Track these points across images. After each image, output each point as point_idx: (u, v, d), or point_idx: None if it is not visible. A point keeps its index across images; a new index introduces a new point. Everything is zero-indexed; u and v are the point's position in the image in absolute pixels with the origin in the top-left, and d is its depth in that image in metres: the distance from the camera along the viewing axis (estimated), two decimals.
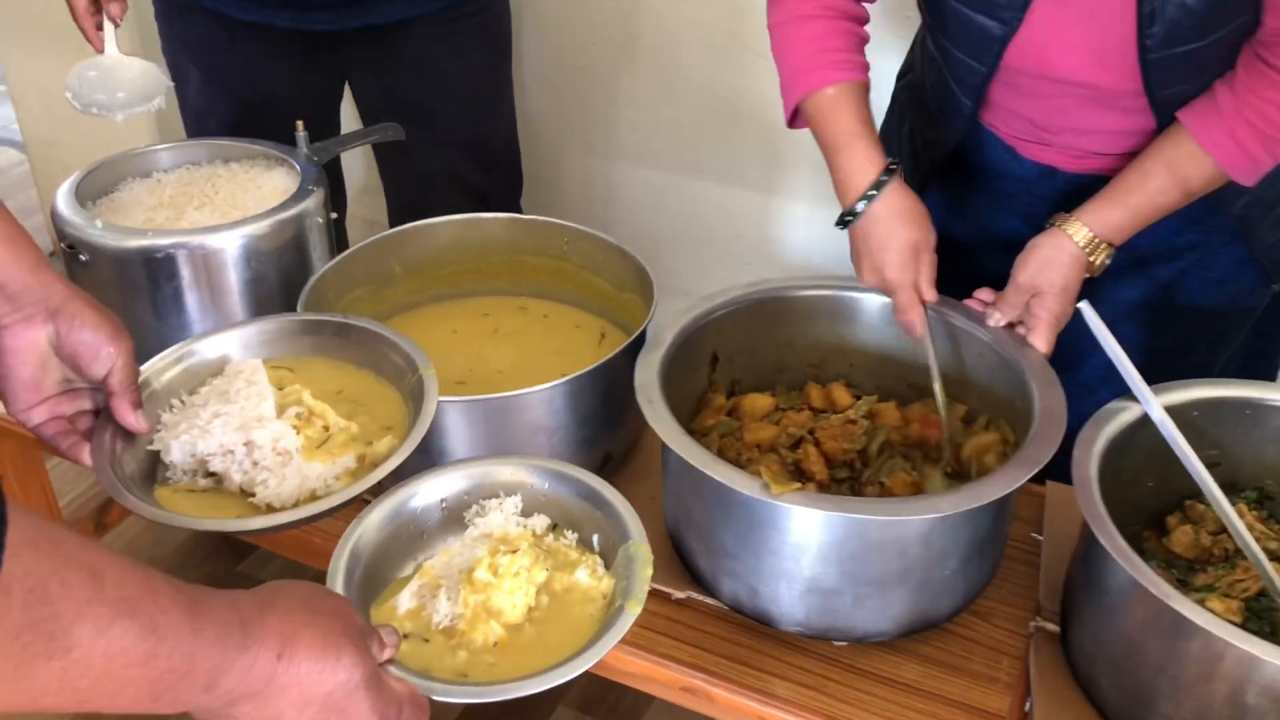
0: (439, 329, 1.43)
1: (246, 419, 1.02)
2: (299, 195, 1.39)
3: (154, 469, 1.02)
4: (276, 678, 0.69)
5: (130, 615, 0.60)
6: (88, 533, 1.70)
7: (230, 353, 1.12)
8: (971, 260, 1.38)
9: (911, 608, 1.07)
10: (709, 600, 1.13)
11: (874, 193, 1.17)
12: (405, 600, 0.90)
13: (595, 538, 0.94)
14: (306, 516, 0.95)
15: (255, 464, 1.00)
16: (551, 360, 1.37)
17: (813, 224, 1.96)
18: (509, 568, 0.88)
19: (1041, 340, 1.14)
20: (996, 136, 1.30)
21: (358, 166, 2.22)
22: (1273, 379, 1.38)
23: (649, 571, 0.86)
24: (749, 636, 1.11)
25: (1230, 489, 1.14)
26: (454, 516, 0.96)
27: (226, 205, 1.44)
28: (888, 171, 1.18)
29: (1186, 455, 1.05)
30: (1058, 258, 1.13)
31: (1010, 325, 1.18)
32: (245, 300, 1.37)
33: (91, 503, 1.74)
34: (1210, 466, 1.07)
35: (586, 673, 1.06)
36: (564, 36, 1.99)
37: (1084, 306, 1.11)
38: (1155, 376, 1.08)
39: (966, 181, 1.37)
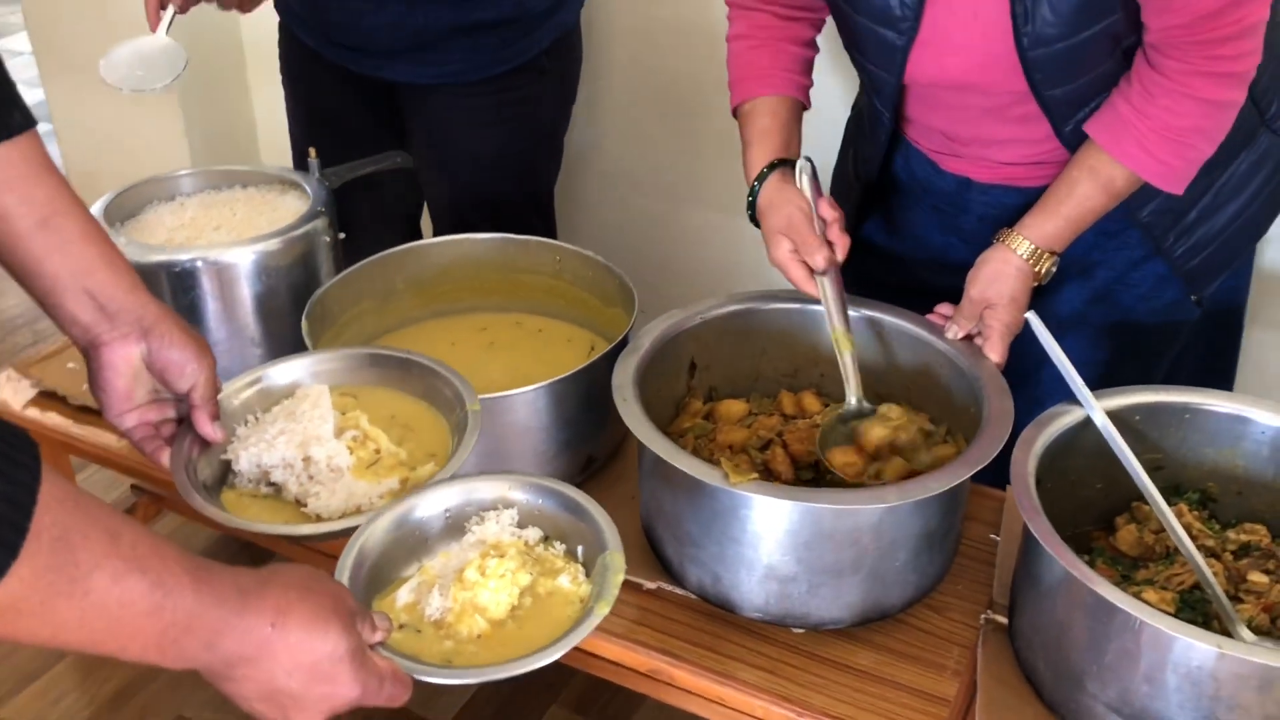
0: (439, 342, 1.52)
1: (307, 437, 1.12)
2: (308, 216, 1.49)
3: (225, 475, 1.14)
4: (270, 644, 0.78)
5: (141, 571, 0.70)
6: None
7: (301, 378, 1.22)
8: (912, 275, 1.47)
9: (864, 597, 1.13)
10: (678, 590, 1.21)
11: (757, 185, 1.30)
12: (404, 595, 0.99)
13: (580, 549, 1.03)
14: (346, 528, 1.04)
15: (310, 478, 1.10)
16: (544, 371, 1.44)
17: None
18: (495, 570, 0.98)
19: (994, 350, 1.22)
20: (919, 151, 1.39)
21: None
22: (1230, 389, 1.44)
23: (619, 578, 0.95)
24: (712, 623, 1.18)
25: (1174, 491, 1.21)
26: (456, 524, 1.05)
27: (243, 226, 1.54)
28: (771, 165, 1.30)
29: (1126, 457, 1.12)
30: (1004, 270, 1.21)
31: (969, 337, 1.26)
32: (257, 312, 1.47)
33: (121, 505, 1.83)
34: (1153, 470, 1.14)
35: (581, 675, 1.16)
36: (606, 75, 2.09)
37: (1030, 316, 1.19)
38: (1096, 388, 1.15)
39: (901, 200, 1.46)
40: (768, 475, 1.24)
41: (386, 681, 0.85)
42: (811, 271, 1.26)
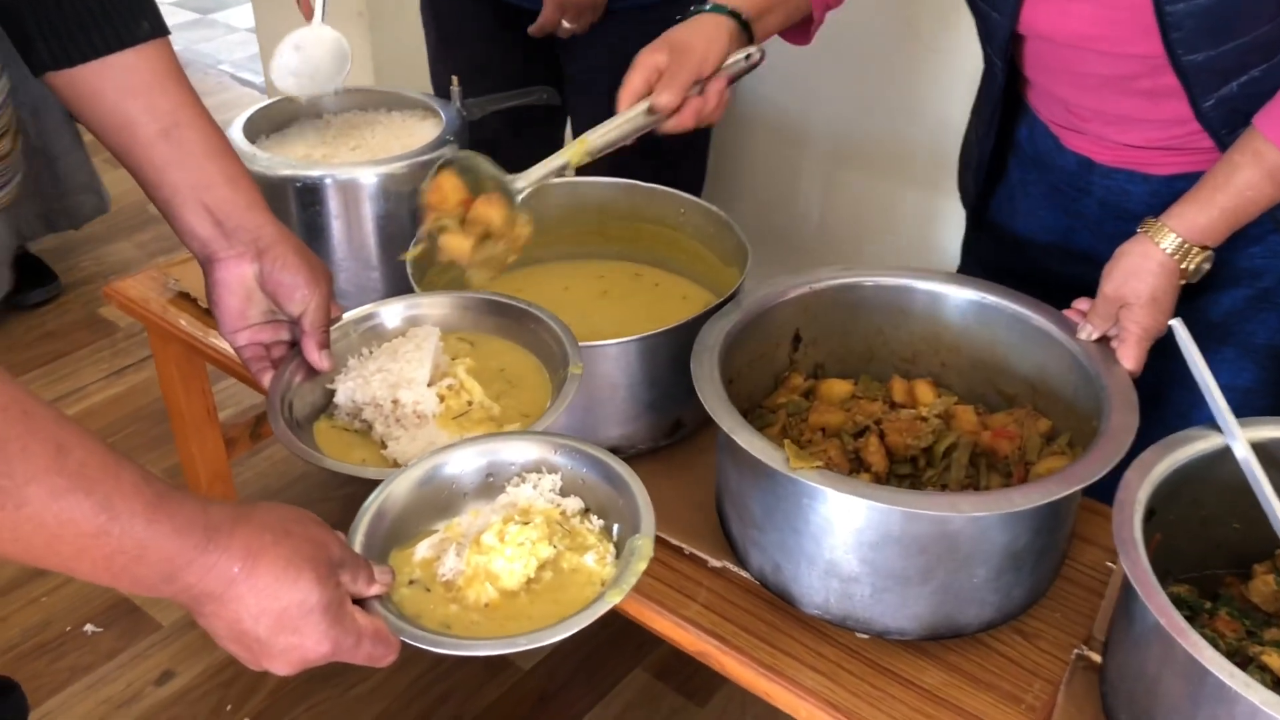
0: (552, 285, 1.48)
1: (400, 379, 1.10)
2: (437, 143, 1.48)
3: (328, 404, 1.13)
4: (235, 584, 0.74)
5: (86, 490, 0.66)
6: (243, 441, 1.86)
7: (418, 317, 1.20)
8: (1035, 261, 1.33)
9: (934, 610, 1.03)
10: (741, 572, 1.13)
11: (695, 10, 1.22)
12: (423, 549, 0.94)
13: (616, 527, 0.96)
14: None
15: (396, 420, 1.08)
16: (652, 326, 1.39)
17: None
18: (515, 537, 0.91)
19: (1128, 356, 1.08)
20: (1042, 122, 1.23)
21: None
22: None
23: (641, 566, 0.88)
24: (771, 613, 1.10)
25: None
26: (497, 484, 1.00)
27: (378, 148, 1.55)
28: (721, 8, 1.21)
29: (1267, 498, 0.96)
30: (1144, 265, 1.06)
31: (1104, 339, 1.12)
32: (378, 234, 1.47)
33: (251, 413, 1.90)
34: None
35: (667, 643, 1.09)
36: None
37: (1175, 323, 1.04)
38: (1242, 414, 0.99)
39: (1024, 175, 1.31)
40: (859, 466, 1.15)
41: (365, 640, 0.80)
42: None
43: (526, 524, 0.92)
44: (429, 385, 1.10)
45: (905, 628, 1.05)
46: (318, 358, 1.09)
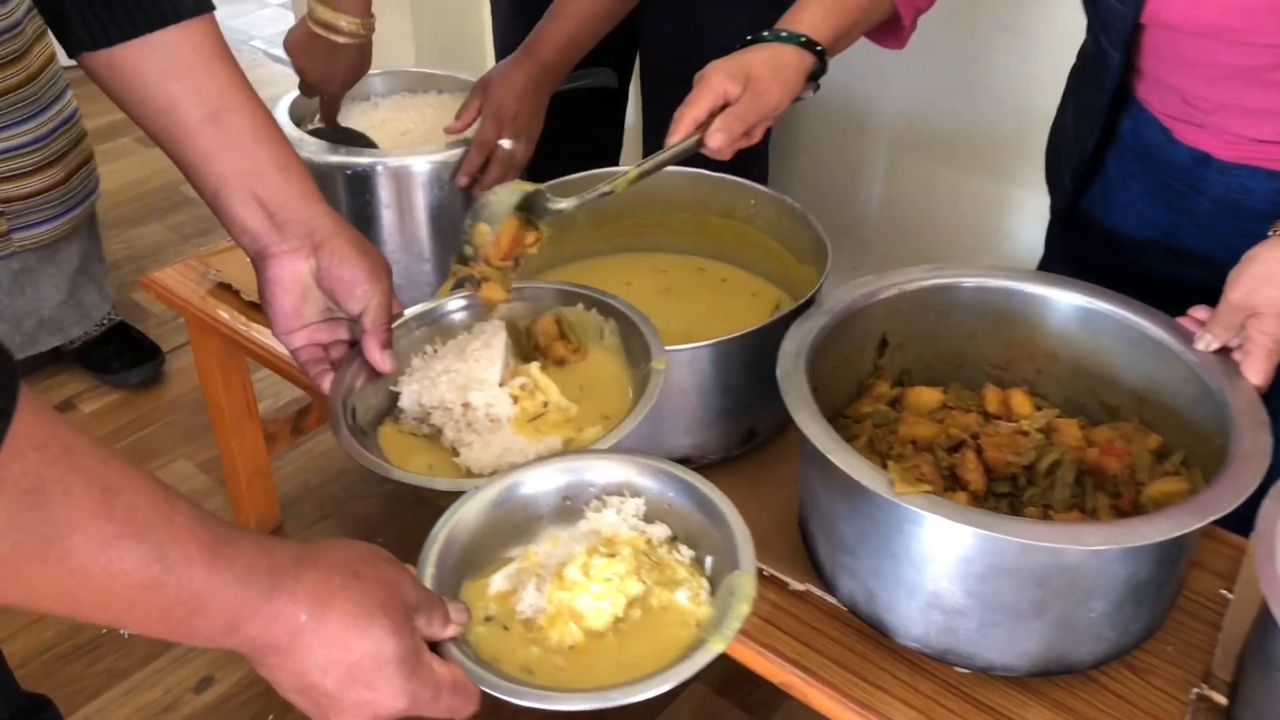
0: (613, 279, 1.39)
1: (470, 380, 1.02)
2: None
3: (393, 407, 1.05)
4: (302, 634, 0.67)
5: (137, 538, 0.59)
6: (283, 436, 1.79)
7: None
8: (1133, 259, 1.24)
9: (1046, 646, 0.95)
10: (827, 597, 1.05)
11: (771, 36, 1.14)
12: (499, 580, 0.86)
13: (709, 560, 0.87)
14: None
15: (468, 425, 1.01)
16: (719, 325, 1.31)
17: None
18: (601, 571, 0.83)
19: (1256, 370, 0.98)
20: (1151, 115, 1.14)
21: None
22: None
23: (745, 609, 0.79)
24: (861, 643, 1.02)
25: None
26: (575, 507, 0.92)
27: (430, 132, 1.47)
28: (799, 39, 1.13)
29: None
30: (1277, 272, 0.96)
31: (1225, 350, 1.03)
32: (431, 224, 1.39)
33: (292, 407, 1.83)
34: None
35: (725, 655, 1.01)
36: None
37: None
38: None
39: (1125, 169, 1.22)
40: (953, 483, 1.06)
41: (444, 692, 0.73)
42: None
43: (613, 556, 0.84)
44: (500, 386, 1.03)
45: (1012, 664, 0.96)
46: (380, 358, 1.02)
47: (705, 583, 0.85)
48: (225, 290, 1.55)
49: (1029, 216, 1.82)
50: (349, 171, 1.34)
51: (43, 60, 1.91)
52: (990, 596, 0.92)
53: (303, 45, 1.36)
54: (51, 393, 2.17)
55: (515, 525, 0.90)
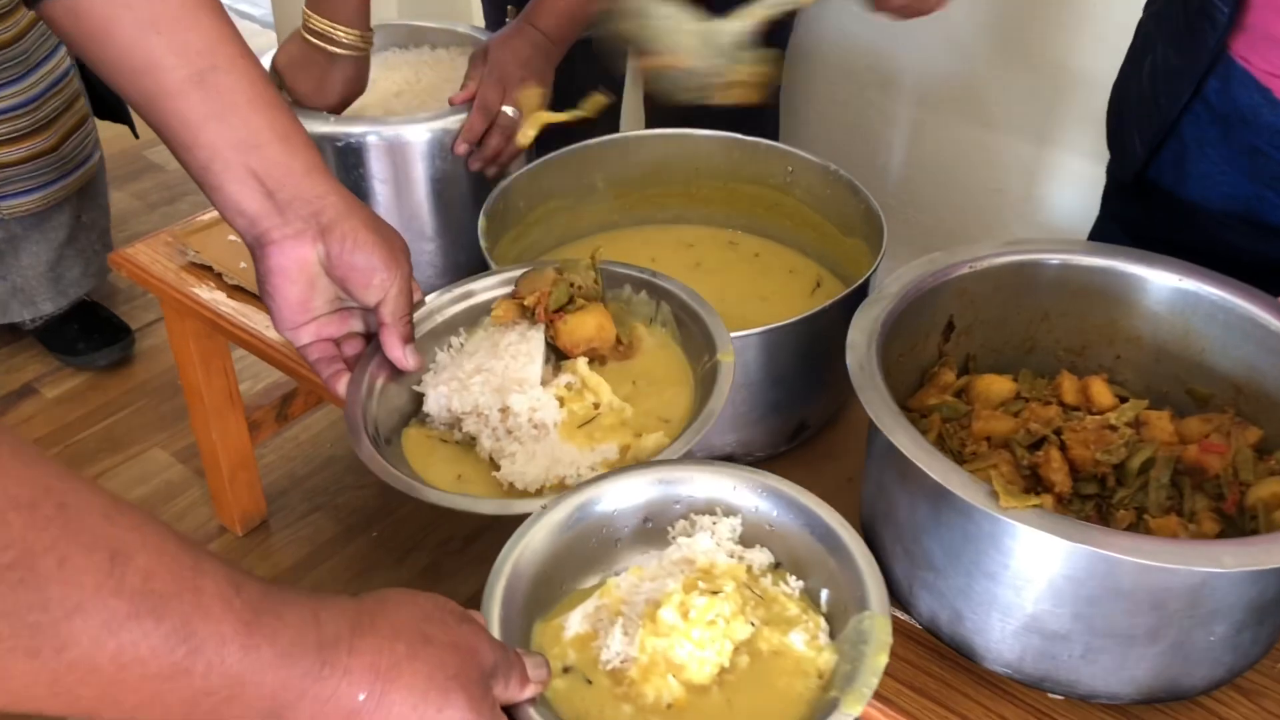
0: (636, 255, 1.27)
1: (507, 380, 0.90)
2: None
3: (417, 408, 0.93)
4: (359, 718, 0.55)
5: (155, 615, 0.47)
6: (267, 424, 1.66)
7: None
8: (1206, 232, 1.13)
9: (1158, 673, 0.85)
10: (901, 615, 0.95)
11: None
12: (576, 621, 0.74)
13: (824, 593, 0.76)
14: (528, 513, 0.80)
15: (509, 432, 0.88)
16: (754, 305, 1.20)
17: (1090, 185, 1.68)
18: (704, 612, 0.71)
19: None
20: (1249, 74, 1.03)
21: None
22: None
23: (883, 660, 0.67)
24: (943, 667, 0.92)
25: None
26: (658, 528, 0.80)
27: (426, 94, 1.33)
28: None
29: None
30: None
31: None
32: (433, 201, 1.26)
33: (276, 391, 1.69)
34: None
35: None
36: None
37: None
38: None
39: (1205, 133, 1.10)
40: (1035, 483, 0.96)
41: None
42: None
43: (715, 593, 0.71)
44: (543, 385, 0.91)
45: (1118, 692, 0.86)
46: (402, 355, 0.89)
47: (823, 621, 0.74)
48: (203, 268, 1.41)
49: (1067, 182, 1.70)
50: (339, 144, 1.21)
51: (32, 16, 1.74)
52: (1100, 620, 0.82)
53: (295, 60, 1.21)
54: (9, 375, 2.02)
55: (589, 552, 0.78)
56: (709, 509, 0.78)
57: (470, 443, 0.89)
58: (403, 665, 0.56)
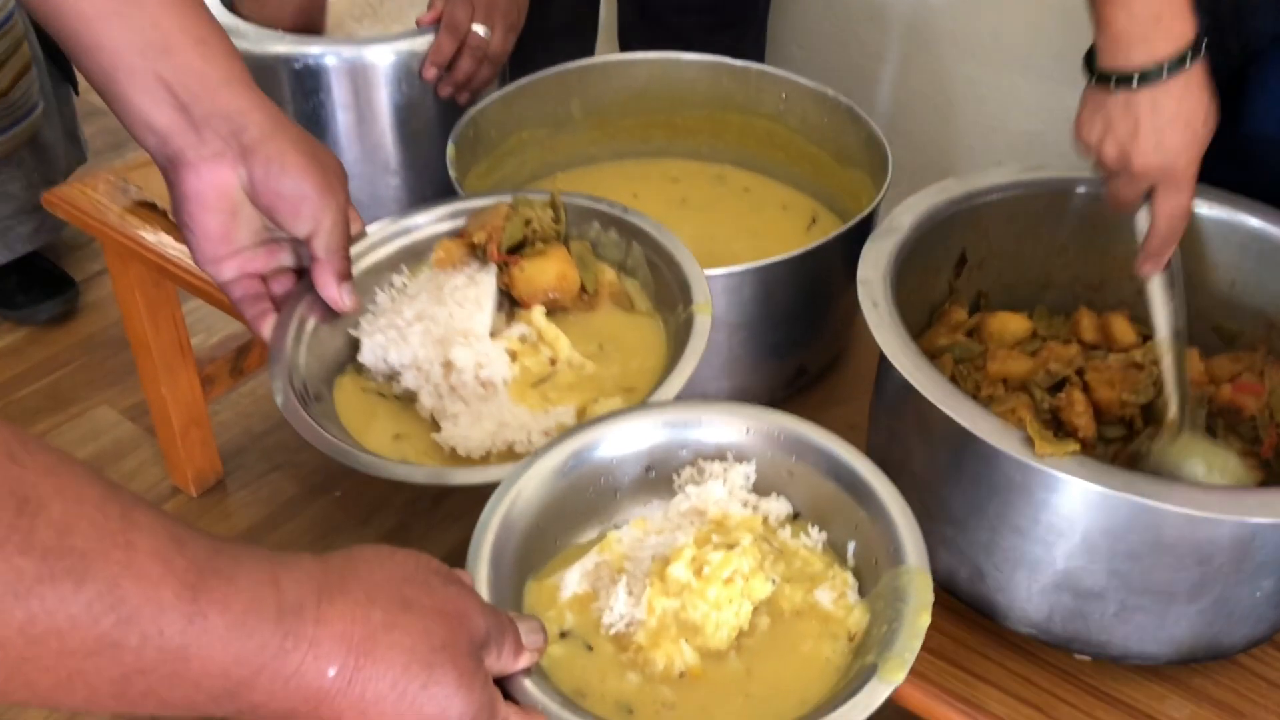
0: (617, 190, 1.18)
1: (451, 330, 0.80)
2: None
3: (355, 354, 0.83)
4: (330, 699, 0.47)
5: (74, 577, 0.39)
6: (221, 378, 1.56)
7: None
8: (1257, 160, 1.04)
9: (1198, 631, 0.78)
10: None
11: (1184, 62, 0.84)
12: (573, 581, 0.66)
13: (851, 546, 0.68)
14: (484, 481, 0.70)
15: (452, 389, 0.79)
16: (746, 243, 1.12)
17: None
18: (719, 569, 0.63)
19: None
20: None
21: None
22: None
23: (925, 620, 0.59)
24: (960, 627, 0.85)
25: None
26: (662, 477, 0.72)
27: (390, 17, 1.23)
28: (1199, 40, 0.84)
29: None
30: None
31: None
32: (397, 130, 1.15)
33: (231, 343, 1.59)
34: None
35: None
36: None
37: None
38: None
39: (1269, 68, 1.02)
40: (1057, 428, 0.88)
41: None
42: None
43: (732, 547, 0.63)
44: (493, 337, 0.82)
45: (1153, 652, 0.80)
46: (337, 294, 0.80)
47: (850, 577, 0.66)
48: (148, 208, 1.30)
49: (1066, 118, 1.61)
50: (296, 65, 1.10)
51: None
52: (1139, 576, 0.75)
53: None
54: None
55: (586, 503, 0.70)
56: (719, 455, 0.70)
57: (411, 399, 0.80)
58: (379, 635, 0.48)
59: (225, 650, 0.44)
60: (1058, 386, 0.91)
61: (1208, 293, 0.96)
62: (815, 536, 0.68)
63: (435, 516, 1.59)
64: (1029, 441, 0.71)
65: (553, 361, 0.82)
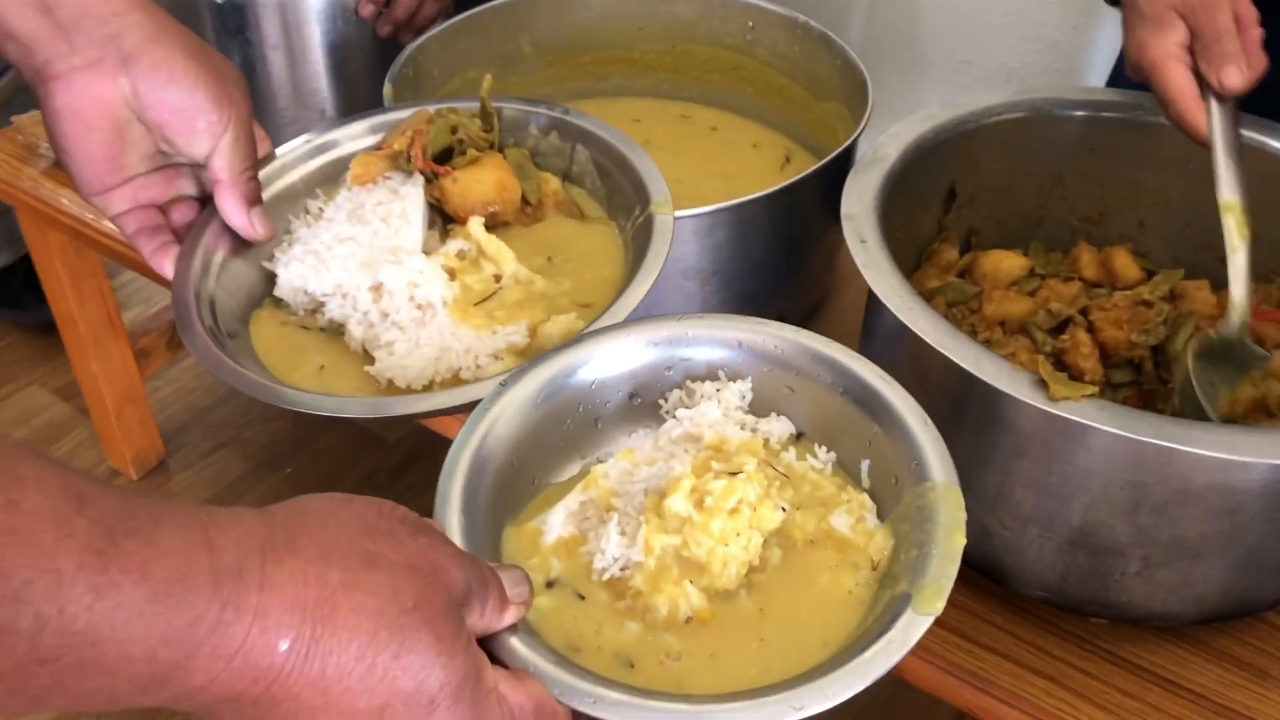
0: None
1: (378, 249, 0.72)
2: None
3: (271, 289, 0.75)
4: (285, 678, 0.40)
5: None
6: (158, 351, 1.46)
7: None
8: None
9: (1226, 588, 0.71)
10: None
11: None
12: (557, 523, 0.59)
13: (864, 464, 0.61)
14: (429, 410, 0.64)
15: (384, 317, 0.71)
16: (716, 185, 1.04)
17: (1067, 53, 1.53)
18: (723, 498, 0.56)
19: None
20: None
21: None
22: None
23: (960, 541, 0.53)
24: (963, 592, 0.78)
25: None
26: (648, 403, 0.65)
27: None
28: None
29: None
30: None
31: None
32: (331, 71, 1.06)
33: (167, 315, 1.49)
34: None
35: None
36: None
37: None
38: None
39: None
40: (1060, 371, 0.81)
41: None
42: (1204, 90, 0.77)
43: (735, 474, 0.56)
44: (427, 255, 0.73)
45: (1177, 612, 0.73)
46: (246, 220, 0.72)
47: (867, 499, 0.60)
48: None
49: (1043, 51, 1.54)
50: (219, 0, 1.00)
51: None
52: (1165, 530, 0.68)
53: None
54: None
55: (564, 436, 0.63)
56: (710, 374, 0.64)
57: (340, 331, 0.72)
58: (338, 598, 0.40)
59: (148, 629, 0.36)
60: (1059, 329, 0.84)
61: (1213, 219, 0.88)
62: (824, 457, 0.62)
63: (396, 490, 1.51)
64: (1041, 385, 0.64)
65: (497, 278, 0.74)
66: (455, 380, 0.68)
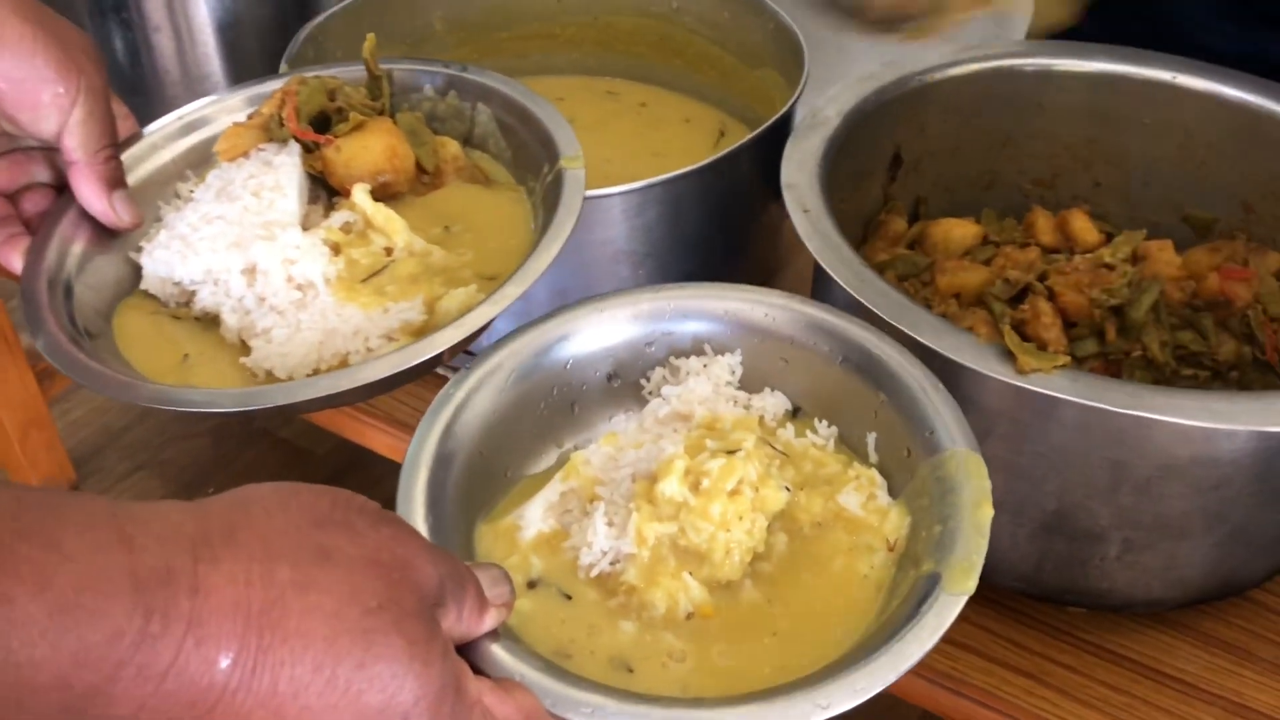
0: None
1: (249, 227, 0.64)
2: None
3: (137, 282, 0.67)
4: (227, 701, 0.34)
5: None
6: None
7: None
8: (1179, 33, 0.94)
9: (1211, 568, 0.66)
10: None
11: None
12: (535, 517, 0.54)
13: (871, 438, 0.56)
14: (313, 397, 0.57)
15: (260, 300, 0.63)
16: (647, 163, 0.98)
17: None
18: (722, 479, 0.52)
19: None
20: None
21: None
22: None
23: (987, 513, 0.49)
24: None
25: None
26: (629, 383, 0.60)
27: None
28: None
29: None
30: None
31: None
32: (223, 54, 0.99)
33: None
34: None
35: None
36: None
37: None
38: None
39: None
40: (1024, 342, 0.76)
41: None
42: None
43: (733, 453, 0.51)
44: (304, 230, 0.66)
45: (1160, 596, 0.68)
46: (105, 205, 0.64)
47: (876, 475, 0.55)
48: None
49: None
50: None
51: None
52: (1149, 510, 0.62)
53: None
54: None
55: (538, 423, 0.58)
56: (696, 349, 0.59)
57: (215, 322, 0.65)
58: (289, 600, 0.35)
59: (55, 649, 0.30)
60: (1017, 299, 0.78)
61: (1177, 177, 0.84)
62: (824, 433, 0.57)
63: None
64: (1008, 357, 0.58)
65: (388, 251, 0.67)
66: (344, 366, 0.61)
